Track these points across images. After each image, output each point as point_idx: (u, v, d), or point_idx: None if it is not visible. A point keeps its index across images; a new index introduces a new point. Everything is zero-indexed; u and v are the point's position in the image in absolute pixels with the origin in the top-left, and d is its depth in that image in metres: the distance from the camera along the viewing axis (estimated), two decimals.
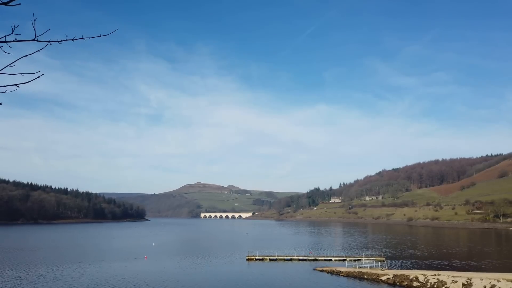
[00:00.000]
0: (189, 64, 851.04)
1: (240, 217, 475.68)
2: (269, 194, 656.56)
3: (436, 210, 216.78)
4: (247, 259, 59.48)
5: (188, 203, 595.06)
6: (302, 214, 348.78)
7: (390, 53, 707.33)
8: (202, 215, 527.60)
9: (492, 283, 35.38)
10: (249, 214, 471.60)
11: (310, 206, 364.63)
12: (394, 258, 62.04)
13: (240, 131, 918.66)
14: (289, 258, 59.79)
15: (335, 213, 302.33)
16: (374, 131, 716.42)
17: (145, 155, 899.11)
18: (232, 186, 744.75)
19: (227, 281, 42.97)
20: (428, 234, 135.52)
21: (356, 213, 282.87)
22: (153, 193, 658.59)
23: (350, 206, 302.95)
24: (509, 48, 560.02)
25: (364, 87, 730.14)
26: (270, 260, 59.04)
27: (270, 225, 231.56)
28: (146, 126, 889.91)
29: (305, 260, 58.83)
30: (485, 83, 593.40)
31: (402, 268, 50.71)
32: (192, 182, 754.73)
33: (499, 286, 34.61)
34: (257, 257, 59.91)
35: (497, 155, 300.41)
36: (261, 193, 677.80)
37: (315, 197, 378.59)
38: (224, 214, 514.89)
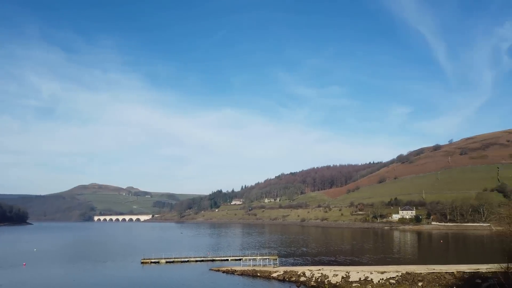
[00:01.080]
0: (89, 56, 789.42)
1: (138, 220, 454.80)
2: (171, 196, 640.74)
3: (326, 211, 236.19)
4: (142, 262, 57.49)
5: (80, 205, 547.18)
6: (203, 216, 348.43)
7: (293, 64, 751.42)
8: (96, 218, 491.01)
9: (366, 275, 40.10)
10: (148, 217, 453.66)
11: (212, 208, 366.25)
12: (288, 256, 66.14)
13: (143, 131, 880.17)
14: (186, 259, 59.49)
15: (235, 214, 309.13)
16: (276, 137, 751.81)
17: (31, 152, 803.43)
18: (132, 187, 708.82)
19: (118, 286, 41.04)
20: (318, 233, 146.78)
21: (255, 214, 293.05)
22: (38, 194, 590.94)
23: (250, 208, 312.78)
24: (391, 69, 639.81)
25: (269, 94, 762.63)
26: (167, 262, 57.97)
27: (169, 228, 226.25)
28: (35, 120, 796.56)
29: (202, 261, 59.19)
30: (371, 99, 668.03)
31: (294, 265, 54.29)
32: (86, 183, 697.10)
33: (371, 277, 39.39)
34: (152, 260, 58.25)
35: (378, 163, 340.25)
36: (162, 195, 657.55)
37: (217, 199, 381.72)
38: (120, 217, 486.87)
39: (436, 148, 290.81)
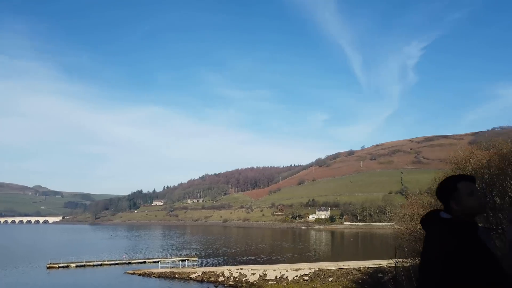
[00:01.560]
0: None
1: (46, 221, 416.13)
2: (85, 196, 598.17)
3: (248, 212, 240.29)
4: (48, 267, 52.86)
5: None
6: (121, 217, 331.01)
7: (221, 65, 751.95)
8: None
9: (282, 273, 41.72)
10: (58, 218, 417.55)
11: (131, 209, 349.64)
12: (209, 256, 65.92)
13: (57, 125, 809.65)
14: (99, 263, 56.12)
15: (156, 216, 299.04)
16: (201, 137, 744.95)
17: None
18: (40, 186, 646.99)
19: None
20: (239, 234, 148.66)
21: (177, 215, 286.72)
22: None
23: (172, 209, 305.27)
24: (313, 77, 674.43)
25: (195, 94, 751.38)
26: (77, 266, 54.08)
27: (82, 230, 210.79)
28: None
29: (117, 264, 56.31)
30: (294, 104, 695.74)
31: (215, 265, 54.30)
32: None
33: (287, 275, 41.11)
34: (60, 265, 53.89)
35: (299, 165, 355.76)
36: (75, 195, 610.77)
37: (137, 200, 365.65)
38: (25, 219, 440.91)
39: (350, 153, 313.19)
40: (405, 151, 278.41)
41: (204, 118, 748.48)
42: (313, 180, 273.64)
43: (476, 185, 2.28)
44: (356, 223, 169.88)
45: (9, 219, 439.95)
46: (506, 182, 14.41)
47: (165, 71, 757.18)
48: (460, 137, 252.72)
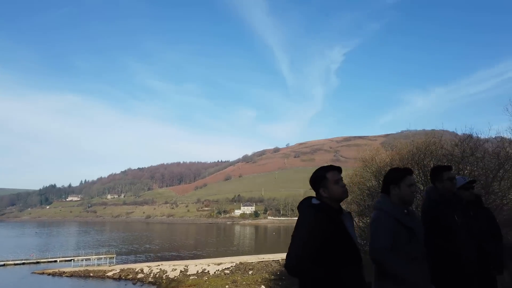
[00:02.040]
0: None
1: None
2: None
3: (173, 208, 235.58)
4: None
5: None
6: (30, 213, 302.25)
7: (148, 56, 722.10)
8: None
9: (203, 267, 41.83)
10: None
11: (42, 204, 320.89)
12: (129, 253, 63.36)
13: None
14: (2, 263, 50.96)
15: (71, 212, 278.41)
16: (125, 129, 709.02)
17: None
18: None
19: None
20: (163, 230, 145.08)
21: (95, 212, 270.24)
22: None
23: (89, 205, 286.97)
24: (242, 74, 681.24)
25: (119, 84, 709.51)
26: None
27: None
28: None
29: (23, 264, 51.61)
30: (223, 100, 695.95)
31: (135, 262, 52.37)
32: None
33: (208, 269, 41.32)
34: None
35: (226, 161, 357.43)
36: None
37: (50, 194, 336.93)
38: None
39: (276, 150, 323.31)
40: (326, 149, 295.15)
41: (128, 109, 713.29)
42: (239, 176, 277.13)
43: (341, 175, 2.71)
44: (279, 218, 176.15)
45: None
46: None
47: (85, 58, 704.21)
48: (374, 138, 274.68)
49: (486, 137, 16.62)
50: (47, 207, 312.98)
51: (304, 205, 2.58)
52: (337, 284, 2.32)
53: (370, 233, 2.74)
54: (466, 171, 14.70)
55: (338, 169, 2.68)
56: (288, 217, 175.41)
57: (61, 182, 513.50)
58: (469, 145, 14.86)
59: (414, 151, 16.36)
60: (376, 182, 16.06)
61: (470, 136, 15.69)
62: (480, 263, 3.71)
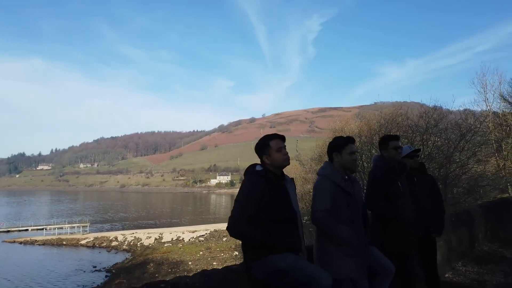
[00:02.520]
0: None
1: None
2: None
3: (148, 177, 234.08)
4: None
5: None
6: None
7: (120, 21, 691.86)
8: None
9: (178, 235, 42.42)
10: None
11: (11, 173, 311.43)
12: (104, 222, 63.10)
13: None
14: None
15: (42, 181, 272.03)
16: (96, 97, 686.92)
17: None
18: None
19: None
20: (138, 199, 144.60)
21: (67, 181, 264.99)
22: None
23: (61, 174, 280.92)
24: (218, 43, 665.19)
25: (89, 49, 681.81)
26: None
27: None
28: None
29: None
30: (198, 69, 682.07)
31: (110, 231, 52.33)
32: None
33: (183, 237, 41.97)
34: None
35: (201, 131, 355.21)
36: None
37: (19, 163, 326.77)
38: None
39: (252, 120, 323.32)
40: (301, 120, 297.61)
41: (100, 76, 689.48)
42: (215, 146, 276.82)
43: (285, 143, 2.86)
44: None
45: None
46: (373, 150, 16.42)
47: (51, 20, 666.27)
48: (348, 109, 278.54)
49: (451, 109, 17.27)
50: (17, 176, 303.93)
51: (248, 172, 2.75)
52: (274, 244, 2.49)
53: (312, 197, 2.94)
54: (430, 141, 15.33)
55: (282, 138, 2.79)
56: None
57: (30, 150, 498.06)
58: (433, 116, 15.38)
59: (382, 122, 16.81)
60: None
61: (435, 108, 16.23)
62: (421, 225, 3.99)
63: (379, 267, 3.41)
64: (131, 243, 41.18)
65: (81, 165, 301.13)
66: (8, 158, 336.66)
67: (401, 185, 3.76)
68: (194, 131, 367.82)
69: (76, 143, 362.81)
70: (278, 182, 2.70)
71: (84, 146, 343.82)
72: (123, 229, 54.50)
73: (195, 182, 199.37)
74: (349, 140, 3.08)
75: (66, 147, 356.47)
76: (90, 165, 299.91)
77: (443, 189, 14.94)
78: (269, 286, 2.53)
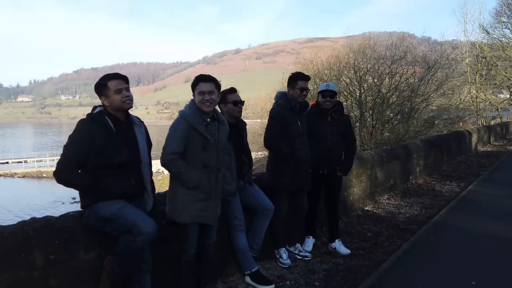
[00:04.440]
0: None
1: None
2: None
3: (132, 110, 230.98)
4: None
5: None
6: None
7: None
8: None
9: (158, 168, 43.00)
10: None
11: None
12: None
13: None
14: None
15: (23, 113, 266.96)
16: (74, 24, 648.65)
17: None
18: None
19: None
20: None
21: (49, 113, 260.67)
22: None
23: (43, 106, 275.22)
24: None
25: None
26: None
27: None
28: None
29: None
30: None
31: None
32: None
33: (163, 169, 42.59)
34: None
35: (185, 62, 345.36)
36: None
37: None
38: None
39: (237, 51, 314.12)
40: (288, 51, 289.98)
41: (77, 3, 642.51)
42: None
43: (128, 85, 2.59)
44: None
45: None
46: (342, 80, 16.22)
47: None
48: (336, 40, 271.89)
49: (439, 40, 16.82)
50: None
51: (87, 115, 2.55)
52: (102, 191, 2.39)
53: (166, 137, 2.80)
54: (398, 74, 15.14)
55: (124, 78, 2.57)
56: (248, 119, 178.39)
57: (7, 81, 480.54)
58: (401, 48, 15.02)
59: (351, 54, 16.39)
60: (314, 86, 16.29)
61: (402, 39, 15.82)
62: (328, 164, 4.03)
63: (258, 205, 3.52)
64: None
65: (62, 97, 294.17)
66: None
67: (301, 125, 3.76)
68: (178, 62, 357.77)
69: (55, 74, 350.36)
70: (119, 125, 2.52)
71: (64, 77, 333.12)
72: None
73: None
74: (200, 78, 2.85)
75: (45, 78, 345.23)
76: (71, 97, 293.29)
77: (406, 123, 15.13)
78: (99, 232, 2.48)
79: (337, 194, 4.25)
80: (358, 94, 15.24)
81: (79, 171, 2.43)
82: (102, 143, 2.38)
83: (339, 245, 4.14)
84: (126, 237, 2.34)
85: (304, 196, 3.95)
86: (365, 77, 15.14)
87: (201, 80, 2.82)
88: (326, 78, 16.93)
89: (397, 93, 14.76)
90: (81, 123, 2.43)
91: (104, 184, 2.39)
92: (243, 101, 3.45)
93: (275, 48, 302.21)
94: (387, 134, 15.06)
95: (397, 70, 14.94)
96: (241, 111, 3.41)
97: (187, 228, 2.79)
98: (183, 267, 2.84)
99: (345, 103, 15.86)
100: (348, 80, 15.79)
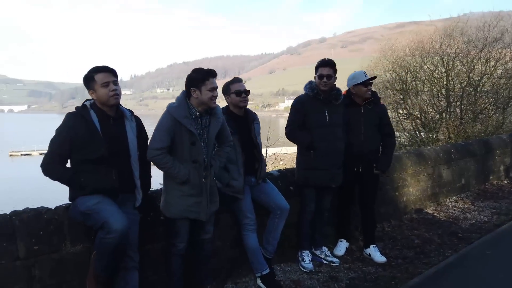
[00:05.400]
0: None
1: (11, 110, 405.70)
2: (49, 84, 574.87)
3: (218, 102, 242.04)
4: (10, 155, 53.70)
5: None
6: None
7: None
8: None
9: None
10: (23, 107, 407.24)
11: None
12: None
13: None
14: None
15: (125, 105, 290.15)
16: (165, 20, 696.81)
17: None
18: None
19: None
20: None
21: (147, 105, 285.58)
22: None
23: (141, 99, 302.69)
24: None
25: None
26: (40, 154, 55.03)
27: (52, 119, 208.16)
28: None
29: None
30: None
31: None
32: None
33: None
34: (22, 153, 54.76)
35: (270, 54, 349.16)
36: (38, 83, 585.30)
37: None
38: None
39: (322, 40, 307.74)
40: (376, 38, 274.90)
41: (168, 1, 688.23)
42: (283, 69, 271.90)
43: (115, 78, 2.51)
44: None
45: None
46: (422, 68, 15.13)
47: None
48: (431, 23, 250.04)
49: None
50: None
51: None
52: (81, 185, 2.38)
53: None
54: (492, 58, 13.25)
55: (111, 71, 2.49)
56: None
57: None
58: (496, 29, 13.09)
59: (435, 38, 14.80)
60: (394, 74, 15.09)
61: (499, 18, 13.78)
62: (361, 160, 3.61)
63: (271, 204, 3.26)
64: None
65: (158, 90, 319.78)
66: None
67: (329, 115, 3.42)
68: (262, 54, 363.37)
69: (152, 68, 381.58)
70: (105, 120, 2.46)
71: (159, 71, 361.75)
72: None
73: (263, 106, 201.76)
74: (210, 73, 2.65)
75: (143, 72, 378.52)
76: (166, 90, 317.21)
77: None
78: (83, 225, 2.46)
79: (372, 194, 3.79)
80: (444, 82, 13.74)
81: (64, 165, 2.44)
82: (83, 138, 2.36)
83: (374, 252, 3.69)
84: (100, 233, 2.29)
85: (329, 195, 3.62)
86: (452, 62, 13.58)
87: (210, 75, 2.65)
88: (407, 65, 15.63)
89: (491, 80, 12.98)
90: (67, 117, 2.42)
91: (84, 179, 2.37)
92: (248, 91, 3.23)
93: (362, 35, 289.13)
94: (479, 126, 13.37)
95: (492, 54, 13.08)
96: (245, 101, 3.19)
97: (176, 223, 2.69)
98: (173, 262, 2.76)
99: (431, 91, 14.37)
100: (433, 67, 14.33)
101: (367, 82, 3.60)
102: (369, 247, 3.73)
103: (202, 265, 2.94)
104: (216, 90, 2.66)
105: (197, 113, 2.66)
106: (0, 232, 2.21)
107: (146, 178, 2.72)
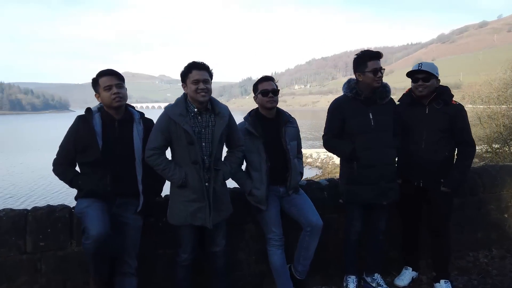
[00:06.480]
0: None
1: None
2: None
3: None
4: None
5: None
6: (234, 103, 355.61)
7: None
8: (134, 105, 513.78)
9: None
10: None
11: (242, 95, 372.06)
12: (314, 140, 68.67)
13: (170, 14, 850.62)
14: None
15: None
16: (305, 19, 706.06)
17: (61, 40, 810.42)
18: (164, 75, 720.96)
19: None
20: None
21: (285, 101, 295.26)
22: (77, 83, 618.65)
23: (280, 95, 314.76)
24: None
25: None
26: None
27: None
28: (59, 4, 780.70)
29: None
30: None
31: (313, 147, 56.41)
32: (120, 71, 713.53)
33: None
34: None
35: (416, 43, 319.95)
36: None
37: (248, 86, 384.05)
38: (156, 105, 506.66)
39: (482, 25, 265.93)
40: None
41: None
42: (432, 60, 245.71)
43: (120, 81, 2.55)
44: (479, 106, 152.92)
45: (144, 105, 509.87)
46: None
47: None
48: None
49: None
50: (247, 97, 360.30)
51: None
52: (78, 187, 2.47)
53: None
54: None
55: (116, 74, 2.53)
56: (488, 104, 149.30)
57: (256, 74, 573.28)
58: None
59: None
60: None
61: None
62: (420, 173, 2.97)
63: (302, 219, 2.89)
64: (323, 161, 43.64)
65: (296, 86, 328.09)
66: (240, 82, 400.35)
67: (374, 118, 2.86)
68: (407, 44, 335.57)
69: (291, 65, 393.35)
70: (110, 123, 2.51)
71: (298, 68, 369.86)
72: (320, 147, 57.58)
73: None
74: (193, 66, 2.49)
75: (283, 69, 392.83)
76: (303, 86, 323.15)
77: None
78: None
79: (443, 218, 3.03)
80: None
81: (71, 166, 2.56)
82: (84, 141, 2.43)
83: None
84: (82, 237, 2.32)
85: (384, 213, 3.05)
86: None
87: (194, 67, 2.52)
88: None
89: None
90: (74, 120, 2.54)
91: (81, 181, 2.46)
92: (278, 90, 2.93)
93: None
94: None
95: None
96: (273, 102, 2.88)
97: (179, 231, 2.59)
98: (177, 273, 2.67)
99: None
100: None
101: (416, 76, 2.99)
102: (439, 282, 3.03)
103: (216, 279, 2.78)
104: (203, 83, 2.48)
105: (195, 110, 2.51)
106: (13, 226, 2.45)
107: (153, 182, 2.67)
